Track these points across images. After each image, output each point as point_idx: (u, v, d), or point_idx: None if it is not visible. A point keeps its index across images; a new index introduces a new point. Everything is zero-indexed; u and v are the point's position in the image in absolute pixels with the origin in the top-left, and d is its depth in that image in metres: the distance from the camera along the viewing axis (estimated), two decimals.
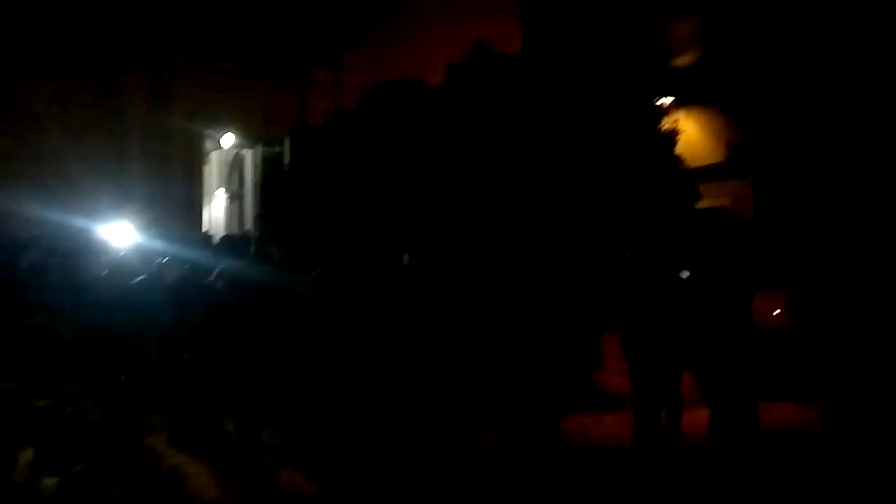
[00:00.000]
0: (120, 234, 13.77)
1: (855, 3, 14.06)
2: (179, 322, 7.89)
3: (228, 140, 19.87)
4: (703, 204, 12.60)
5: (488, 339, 7.55)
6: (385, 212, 10.23)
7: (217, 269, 7.75)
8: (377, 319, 7.26)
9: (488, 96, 11.01)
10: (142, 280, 8.52)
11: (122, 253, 10.60)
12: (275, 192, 14.73)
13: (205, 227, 19.85)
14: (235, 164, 22.69)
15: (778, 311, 9.48)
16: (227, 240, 16.08)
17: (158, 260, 8.74)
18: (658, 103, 14.32)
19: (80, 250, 11.45)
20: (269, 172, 18.84)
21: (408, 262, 8.02)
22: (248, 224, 19.74)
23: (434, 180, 10.30)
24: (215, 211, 22.71)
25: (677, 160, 12.04)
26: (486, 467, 7.26)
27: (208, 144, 20.63)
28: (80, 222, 13.97)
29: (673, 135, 12.22)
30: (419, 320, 7.36)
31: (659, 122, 12.37)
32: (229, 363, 7.62)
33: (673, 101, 16.22)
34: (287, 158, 17.67)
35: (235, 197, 22.64)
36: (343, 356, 7.31)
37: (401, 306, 7.37)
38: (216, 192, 22.91)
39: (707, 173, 14.46)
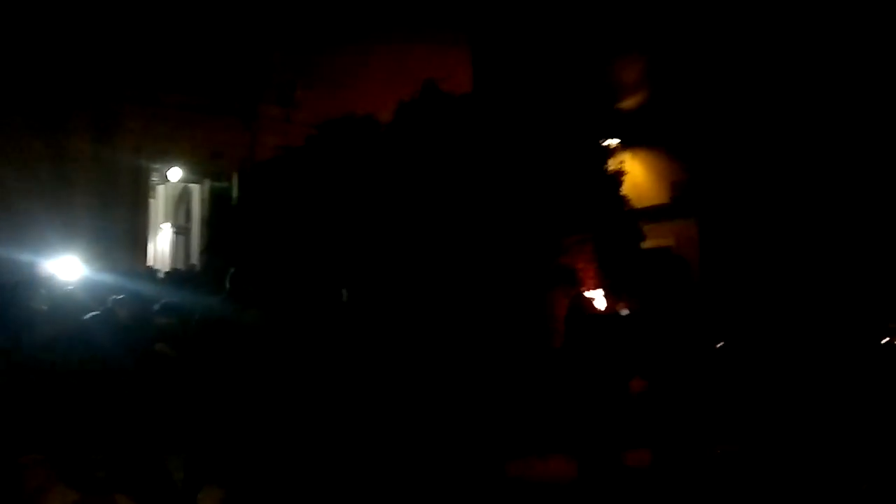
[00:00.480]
0: (66, 267, 13.54)
1: (791, 53, 14.53)
2: (127, 359, 7.68)
3: (176, 174, 19.70)
4: (648, 244, 12.77)
5: (429, 376, 7.52)
6: (332, 248, 10.20)
7: (161, 303, 7.59)
8: (317, 356, 7.16)
9: (437, 135, 11.08)
10: (94, 316, 8.29)
11: (69, 287, 10.35)
12: (222, 227, 14.60)
13: (150, 261, 19.62)
14: (182, 199, 22.49)
15: None
16: (173, 274, 15.93)
17: (112, 297, 8.54)
18: (605, 144, 14.56)
19: (21, 285, 11.17)
20: (217, 207, 18.69)
21: (347, 297, 7.95)
22: (195, 259, 19.55)
23: (382, 217, 10.31)
24: (161, 245, 22.45)
25: (623, 200, 12.20)
26: None
27: (155, 178, 20.43)
28: (24, 256, 13.71)
29: (619, 175, 12.38)
30: (359, 357, 7.30)
31: (605, 162, 12.54)
32: (174, 400, 7.47)
33: (619, 142, 16.55)
34: (235, 193, 17.57)
35: (182, 231, 22.42)
36: (282, 393, 7.19)
37: (340, 343, 7.30)
38: (162, 226, 22.68)
39: (653, 214, 14.73)
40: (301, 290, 7.22)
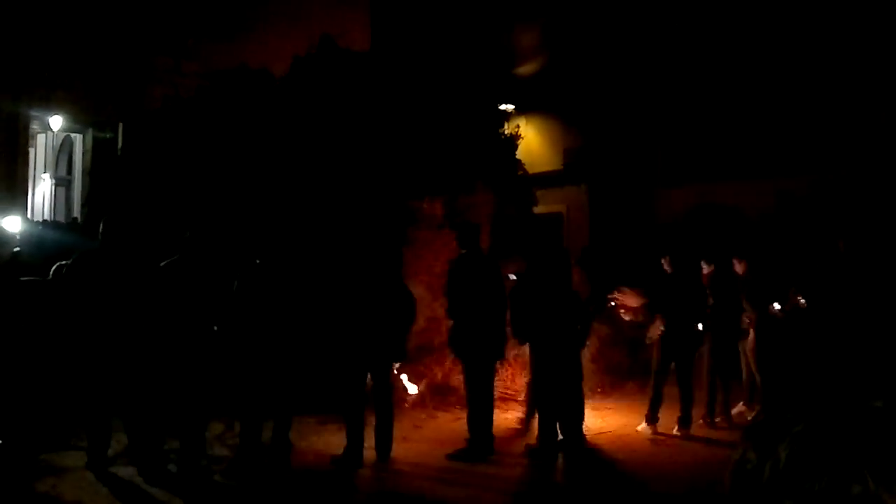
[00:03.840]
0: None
1: (683, 30, 14.93)
2: None
3: (57, 122, 18.84)
4: (540, 209, 12.96)
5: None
6: (221, 201, 9.94)
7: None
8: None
9: (332, 90, 10.91)
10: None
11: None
12: (106, 178, 14.07)
13: (28, 214, 18.81)
14: (64, 149, 21.61)
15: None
16: (49, 225, 15.37)
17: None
18: (501, 108, 14.64)
19: None
20: (101, 158, 18.00)
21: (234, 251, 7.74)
22: (76, 211, 18.84)
23: (273, 171, 10.11)
24: (40, 196, 21.56)
25: (517, 164, 12.31)
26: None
27: (35, 126, 19.52)
28: None
29: (514, 139, 12.47)
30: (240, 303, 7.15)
31: (501, 126, 12.60)
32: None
33: (515, 108, 16.67)
34: (121, 144, 16.95)
35: (63, 182, 21.58)
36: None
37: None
38: (42, 177, 21.76)
39: (545, 179, 14.93)
40: (188, 241, 6.99)
